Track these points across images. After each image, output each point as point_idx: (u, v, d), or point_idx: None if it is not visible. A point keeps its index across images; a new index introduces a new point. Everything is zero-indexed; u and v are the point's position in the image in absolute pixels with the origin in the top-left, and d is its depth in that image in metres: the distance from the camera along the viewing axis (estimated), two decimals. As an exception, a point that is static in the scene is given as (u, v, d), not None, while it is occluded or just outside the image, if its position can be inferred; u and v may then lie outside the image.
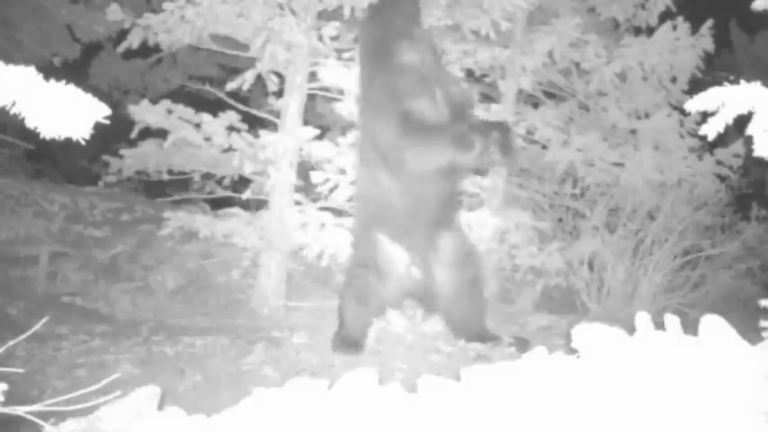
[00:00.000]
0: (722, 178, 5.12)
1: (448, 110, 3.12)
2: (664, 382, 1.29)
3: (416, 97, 3.03)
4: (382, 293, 3.20)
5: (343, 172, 3.93)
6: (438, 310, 3.38)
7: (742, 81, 1.50)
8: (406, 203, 3.11)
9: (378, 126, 3.07)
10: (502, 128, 2.99)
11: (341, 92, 4.01)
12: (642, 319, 1.46)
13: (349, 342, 3.21)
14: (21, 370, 2.38)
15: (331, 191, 3.97)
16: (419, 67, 3.12)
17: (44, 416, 1.35)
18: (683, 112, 4.73)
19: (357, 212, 3.43)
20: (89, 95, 1.16)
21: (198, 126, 3.89)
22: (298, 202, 4.01)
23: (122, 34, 4.12)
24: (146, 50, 4.35)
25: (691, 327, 1.44)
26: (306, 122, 4.11)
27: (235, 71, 4.34)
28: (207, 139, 3.90)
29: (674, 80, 5.01)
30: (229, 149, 3.90)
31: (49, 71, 1.18)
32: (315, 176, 3.93)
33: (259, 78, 3.99)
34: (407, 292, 3.27)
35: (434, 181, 3.09)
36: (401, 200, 3.11)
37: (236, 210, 4.03)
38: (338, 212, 4.00)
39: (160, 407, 1.49)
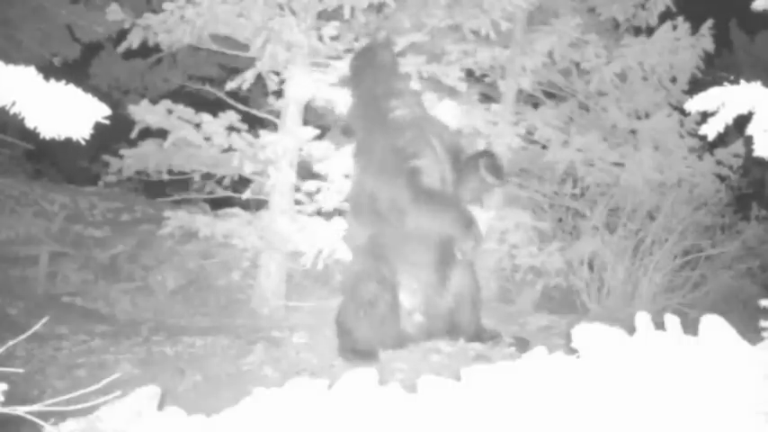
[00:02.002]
0: (722, 178, 5.12)
1: (447, 156, 3.23)
2: (664, 382, 1.29)
3: (416, 156, 3.13)
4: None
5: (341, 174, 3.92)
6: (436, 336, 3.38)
7: (742, 81, 1.50)
8: (407, 253, 3.16)
9: (380, 185, 3.15)
10: (488, 154, 3.27)
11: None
12: (642, 319, 1.46)
13: (364, 353, 3.11)
14: (21, 370, 2.38)
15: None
16: (411, 121, 3.23)
17: (44, 416, 1.35)
18: (683, 112, 4.73)
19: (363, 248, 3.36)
20: (89, 95, 1.16)
21: (198, 126, 3.89)
22: (298, 202, 4.01)
23: (122, 34, 4.12)
24: (146, 50, 4.35)
25: (691, 327, 1.44)
26: (306, 122, 4.10)
27: (235, 71, 4.34)
28: (207, 139, 3.90)
29: (674, 80, 5.01)
30: (229, 149, 3.90)
31: (49, 71, 1.18)
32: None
33: (259, 78, 3.99)
34: (408, 338, 3.24)
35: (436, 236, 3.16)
36: (404, 250, 3.16)
37: (236, 210, 4.03)
38: (337, 212, 3.99)
39: (160, 407, 1.49)
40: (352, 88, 3.47)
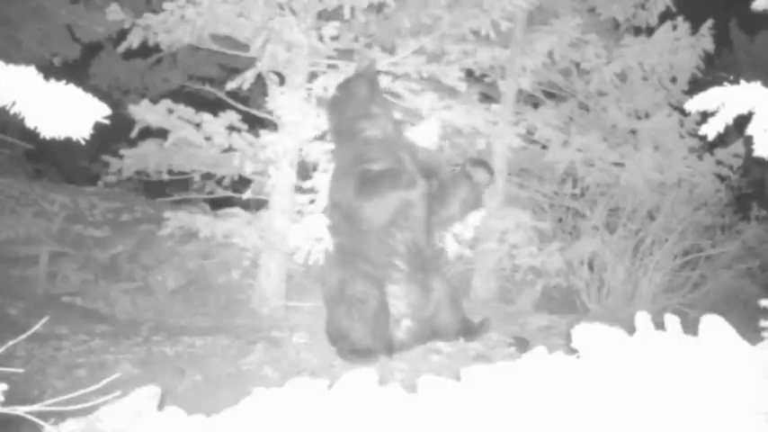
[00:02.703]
0: (722, 178, 5.12)
1: (415, 168, 3.32)
2: (664, 382, 1.29)
3: (373, 161, 3.25)
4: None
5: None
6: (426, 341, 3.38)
7: (742, 81, 1.50)
8: (386, 254, 3.20)
9: (338, 191, 3.28)
10: (473, 159, 3.47)
11: None
12: (642, 319, 1.46)
13: (364, 351, 3.11)
14: (21, 370, 2.39)
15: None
16: (381, 139, 3.35)
17: (44, 416, 1.35)
18: (683, 112, 4.73)
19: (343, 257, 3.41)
20: (89, 95, 1.16)
21: (198, 126, 3.89)
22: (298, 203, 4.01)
23: (122, 34, 4.12)
24: (146, 50, 4.35)
25: (691, 327, 1.44)
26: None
27: (235, 71, 4.33)
28: (207, 139, 3.90)
29: (674, 80, 5.01)
30: (229, 149, 3.90)
31: (49, 71, 1.18)
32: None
33: (259, 78, 3.99)
34: (401, 344, 3.25)
35: (409, 233, 3.22)
36: (382, 258, 3.19)
37: (236, 210, 4.03)
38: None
39: (160, 407, 1.49)
40: (329, 113, 3.58)
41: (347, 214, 3.21)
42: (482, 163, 3.42)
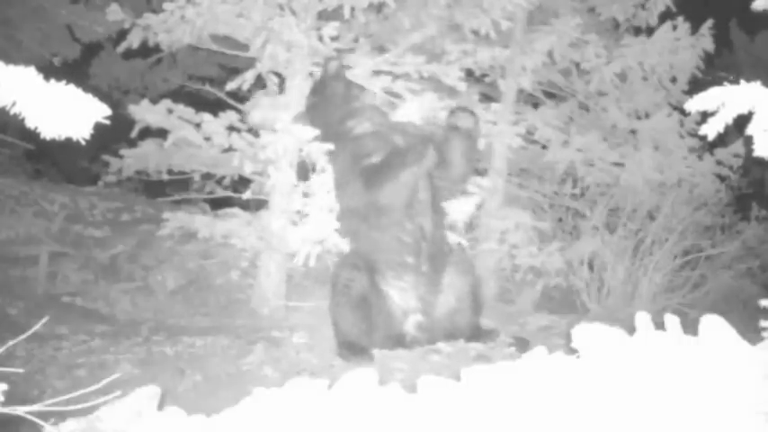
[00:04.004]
0: (722, 178, 5.12)
1: (412, 138, 3.37)
2: (664, 382, 1.29)
3: (371, 154, 3.29)
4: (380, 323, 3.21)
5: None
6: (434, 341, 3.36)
7: (742, 81, 1.50)
8: (397, 251, 3.20)
9: (348, 196, 3.33)
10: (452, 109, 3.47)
11: None
12: (642, 319, 1.46)
13: (357, 349, 3.13)
14: (21, 370, 2.38)
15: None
16: (372, 131, 3.39)
17: (44, 416, 1.35)
18: (683, 112, 4.74)
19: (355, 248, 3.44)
20: (89, 95, 1.16)
21: (198, 126, 3.89)
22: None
23: (122, 34, 4.12)
24: (146, 50, 4.35)
25: (691, 327, 1.44)
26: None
27: (235, 71, 4.33)
28: (207, 139, 3.89)
29: (674, 80, 5.01)
30: (229, 149, 3.90)
31: (49, 71, 1.18)
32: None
33: (259, 78, 3.99)
34: (412, 339, 3.24)
35: (421, 223, 3.25)
36: (387, 252, 3.21)
37: (235, 210, 4.03)
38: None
39: (160, 407, 1.49)
40: (311, 121, 3.61)
41: (365, 214, 3.23)
42: (461, 108, 3.42)
